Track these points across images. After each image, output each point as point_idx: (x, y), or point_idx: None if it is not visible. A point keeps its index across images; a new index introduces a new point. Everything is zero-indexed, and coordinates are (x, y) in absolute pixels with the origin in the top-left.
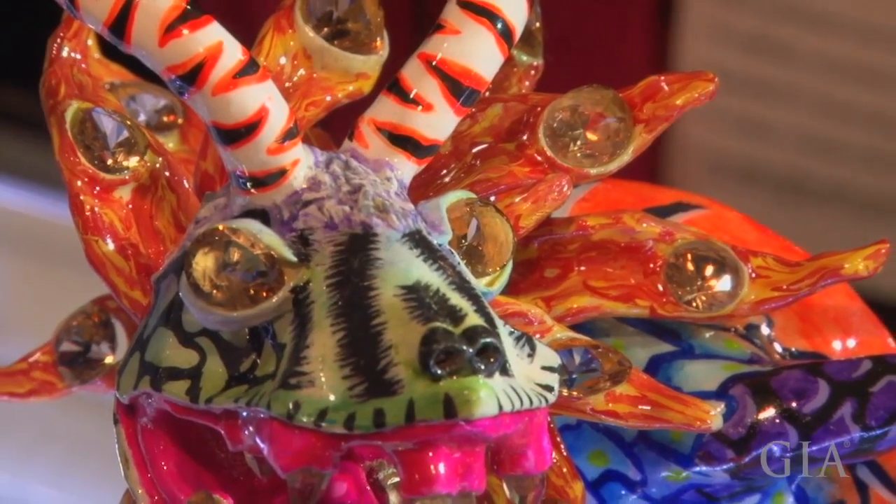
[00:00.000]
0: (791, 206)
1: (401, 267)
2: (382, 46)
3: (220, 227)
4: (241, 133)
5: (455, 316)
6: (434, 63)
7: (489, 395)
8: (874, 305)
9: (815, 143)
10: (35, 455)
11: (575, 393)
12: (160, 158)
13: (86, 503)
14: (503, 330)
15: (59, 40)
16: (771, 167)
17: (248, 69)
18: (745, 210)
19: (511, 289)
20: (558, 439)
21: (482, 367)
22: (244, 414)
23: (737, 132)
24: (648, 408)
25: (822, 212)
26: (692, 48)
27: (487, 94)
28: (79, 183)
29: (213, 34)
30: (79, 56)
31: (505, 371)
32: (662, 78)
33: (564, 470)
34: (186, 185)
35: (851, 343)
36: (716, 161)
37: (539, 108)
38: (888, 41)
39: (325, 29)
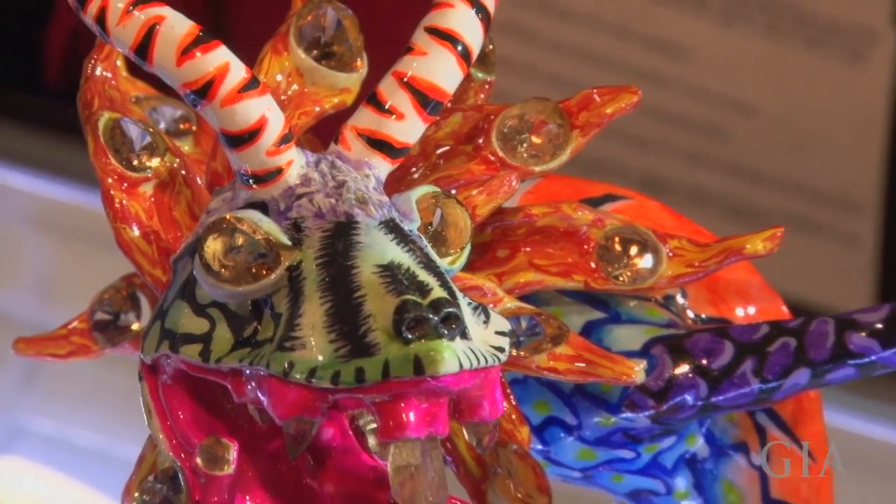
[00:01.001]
0: None
1: (377, 249)
2: (362, 65)
3: (228, 217)
4: (244, 138)
5: (423, 290)
6: (405, 79)
7: (451, 356)
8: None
9: None
10: (79, 404)
11: (522, 353)
12: (177, 159)
13: (121, 443)
14: (463, 301)
15: (93, 61)
16: None
17: (251, 85)
18: None
19: (469, 267)
20: (508, 391)
21: (445, 332)
22: (247, 372)
23: None
24: (583, 365)
25: None
26: None
27: (449, 104)
28: (109, 180)
29: (221, 56)
30: (109, 75)
31: (464, 335)
32: (595, 91)
33: (513, 417)
34: (199, 182)
35: (751, 310)
36: None
37: (492, 117)
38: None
39: (315, 51)
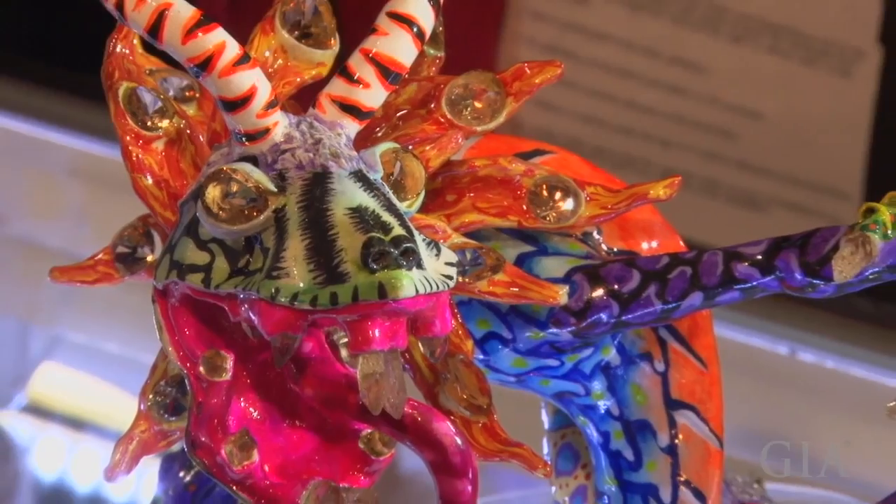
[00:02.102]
0: None
1: (348, 195)
2: (335, 44)
3: (225, 168)
4: (238, 103)
5: (385, 228)
6: (371, 55)
7: (409, 283)
8: None
9: None
10: (105, 320)
11: (467, 280)
12: (183, 121)
13: (139, 352)
14: (418, 237)
15: (114, 40)
16: None
17: (243, 60)
18: None
19: (423, 209)
20: (456, 311)
21: (404, 263)
22: (241, 296)
23: None
24: (517, 289)
25: None
26: None
27: (406, 76)
28: (128, 138)
29: (219, 35)
30: (127, 51)
31: (420, 266)
32: (526, 64)
33: (460, 332)
34: (201, 139)
35: (654, 244)
36: None
37: (442, 86)
38: None
39: (296, 32)
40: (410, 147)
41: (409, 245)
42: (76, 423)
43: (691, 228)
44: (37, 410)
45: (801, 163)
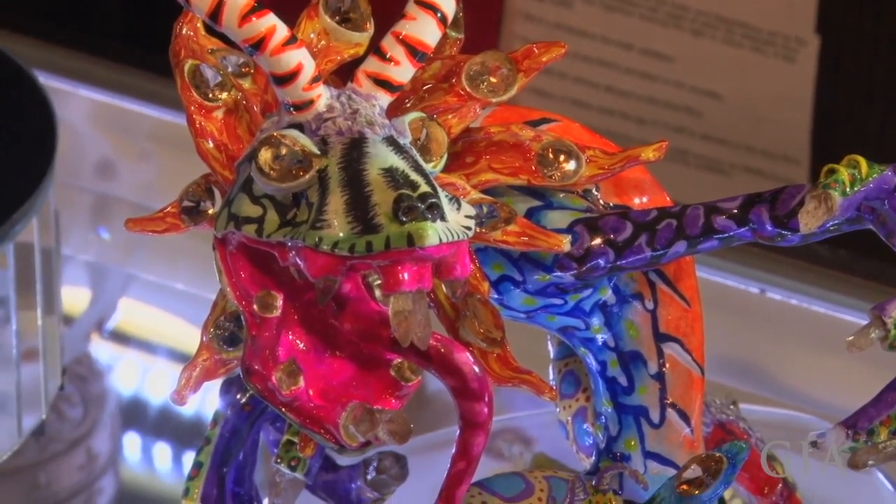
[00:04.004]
0: None
1: (381, 157)
2: (370, 27)
3: (275, 134)
4: (287, 78)
5: (413, 186)
6: (401, 37)
7: (434, 233)
8: None
9: None
10: (174, 263)
11: (483, 230)
12: (240, 93)
13: (202, 290)
14: (441, 193)
15: (180, 24)
16: None
17: (291, 41)
18: None
19: (445, 169)
20: (474, 257)
21: (429, 216)
22: (289, 244)
23: None
24: (526, 238)
25: None
26: None
27: (431, 55)
28: (192, 108)
29: (270, 20)
30: (192, 33)
31: (443, 218)
32: (535, 45)
33: (478, 275)
34: (255, 109)
35: (645, 199)
36: None
37: (462, 63)
38: None
39: (337, 17)
40: (435, 116)
41: (433, 200)
42: (150, 349)
43: (669, 191)
44: (117, 338)
45: (756, 135)
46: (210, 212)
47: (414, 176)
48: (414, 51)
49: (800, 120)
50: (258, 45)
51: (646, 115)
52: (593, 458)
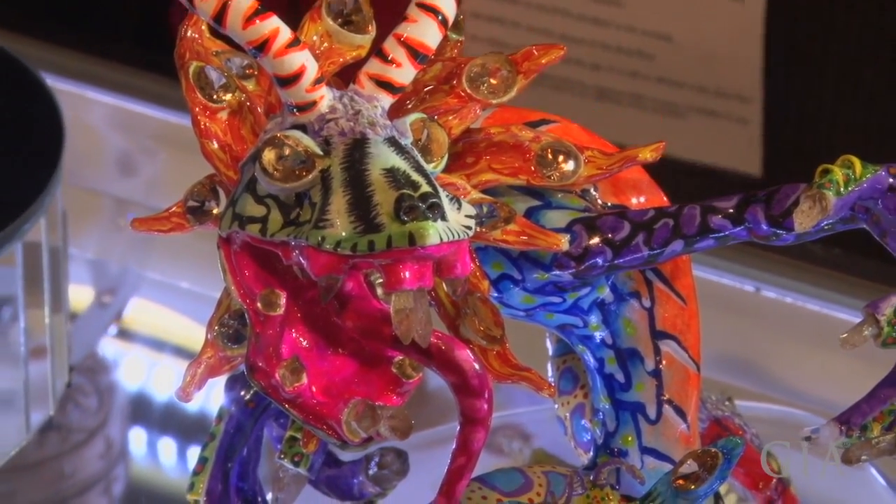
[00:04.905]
0: None
1: (383, 157)
2: (372, 30)
3: (279, 135)
4: (290, 80)
5: (415, 186)
6: (402, 39)
7: (434, 232)
8: None
9: None
10: (179, 262)
11: (483, 229)
12: (244, 94)
13: (207, 289)
14: (442, 193)
15: (185, 26)
16: None
17: (294, 43)
18: None
19: (446, 170)
20: (474, 256)
21: (430, 215)
22: (292, 243)
23: None
24: (526, 238)
25: None
26: None
27: (433, 57)
28: (197, 109)
29: (273, 22)
30: (197, 36)
31: (444, 218)
32: (534, 48)
33: (478, 274)
34: (259, 110)
35: (642, 199)
36: None
37: (462, 65)
38: None
39: (339, 20)
40: (436, 117)
41: (434, 200)
42: (155, 347)
43: (624, 136)
44: (123, 335)
45: (709, 75)
46: (214, 211)
47: (415, 176)
48: (415, 53)
49: (750, 58)
50: (262, 47)
51: (600, 61)
52: (591, 453)
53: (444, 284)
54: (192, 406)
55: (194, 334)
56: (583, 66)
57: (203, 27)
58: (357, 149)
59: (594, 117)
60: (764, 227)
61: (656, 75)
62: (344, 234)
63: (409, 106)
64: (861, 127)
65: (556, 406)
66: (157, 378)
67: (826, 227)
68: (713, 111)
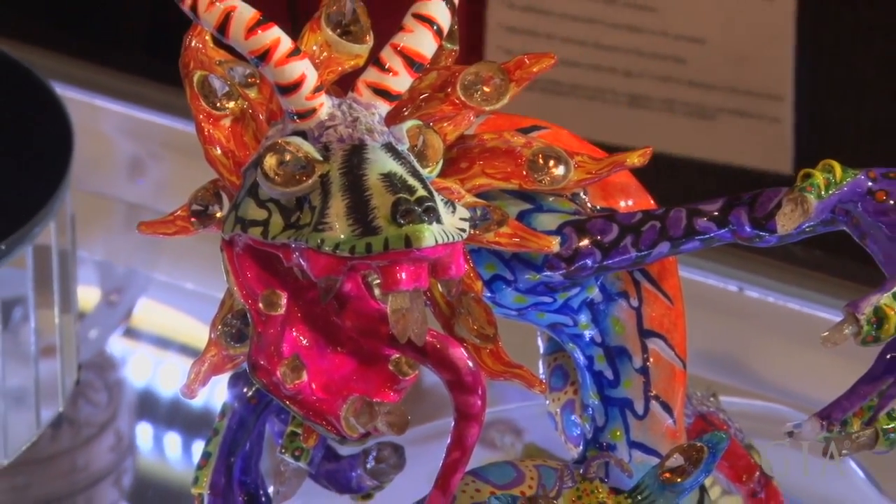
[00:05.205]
0: None
1: (380, 163)
2: (370, 39)
3: (280, 141)
4: (291, 88)
5: (411, 190)
6: (399, 48)
7: (430, 235)
8: None
9: None
10: (184, 263)
11: (477, 232)
12: (246, 102)
13: (211, 289)
14: (437, 197)
15: (189, 36)
16: None
17: (295, 52)
18: None
19: (441, 174)
20: (468, 257)
21: (426, 219)
22: (293, 245)
23: None
24: (518, 240)
25: None
26: None
27: (428, 66)
28: (201, 116)
29: (275, 32)
30: (201, 46)
31: (439, 221)
32: (526, 56)
33: (471, 275)
34: (261, 118)
35: (630, 202)
36: None
37: (457, 73)
38: None
39: (338, 30)
40: (431, 124)
41: (430, 204)
42: (161, 345)
43: (656, 141)
44: (130, 335)
45: (740, 75)
46: (218, 215)
47: (411, 181)
48: (411, 62)
49: (782, 57)
50: (263, 56)
51: (633, 68)
52: (581, 447)
53: (439, 285)
54: (197, 402)
55: (199, 333)
56: (615, 73)
57: (207, 37)
58: (355, 154)
59: (626, 124)
60: (747, 229)
61: (688, 79)
62: (342, 236)
63: (406, 113)
64: (891, 125)
65: (547, 402)
66: (163, 375)
67: (807, 230)
68: (744, 111)
